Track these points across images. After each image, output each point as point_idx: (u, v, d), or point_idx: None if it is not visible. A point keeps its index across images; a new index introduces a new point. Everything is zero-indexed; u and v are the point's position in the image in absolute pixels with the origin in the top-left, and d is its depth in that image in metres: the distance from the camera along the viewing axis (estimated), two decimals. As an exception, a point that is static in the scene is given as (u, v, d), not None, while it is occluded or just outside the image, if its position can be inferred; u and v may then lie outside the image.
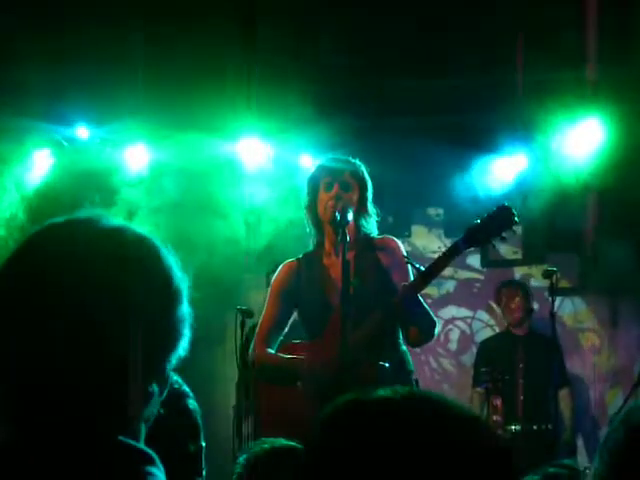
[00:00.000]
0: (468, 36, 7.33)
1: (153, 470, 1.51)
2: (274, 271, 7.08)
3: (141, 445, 1.54)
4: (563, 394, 7.66)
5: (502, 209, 4.72)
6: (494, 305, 8.57)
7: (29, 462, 1.47)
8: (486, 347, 7.99)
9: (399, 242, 5.11)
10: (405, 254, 5.01)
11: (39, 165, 8.05)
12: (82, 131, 7.89)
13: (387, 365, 4.68)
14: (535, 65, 7.26)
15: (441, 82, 7.82)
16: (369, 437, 1.30)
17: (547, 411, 7.24)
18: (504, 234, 4.73)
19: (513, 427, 7.28)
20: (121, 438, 1.51)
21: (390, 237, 5.13)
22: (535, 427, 7.32)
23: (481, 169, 8.07)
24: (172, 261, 1.64)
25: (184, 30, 6.89)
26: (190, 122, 7.49)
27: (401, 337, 4.93)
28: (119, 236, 1.61)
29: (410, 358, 4.98)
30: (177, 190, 7.94)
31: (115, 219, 1.64)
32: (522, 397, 7.45)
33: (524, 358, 7.61)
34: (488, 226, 4.69)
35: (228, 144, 7.85)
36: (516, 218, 4.72)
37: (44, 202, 7.60)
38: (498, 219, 4.70)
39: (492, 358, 7.56)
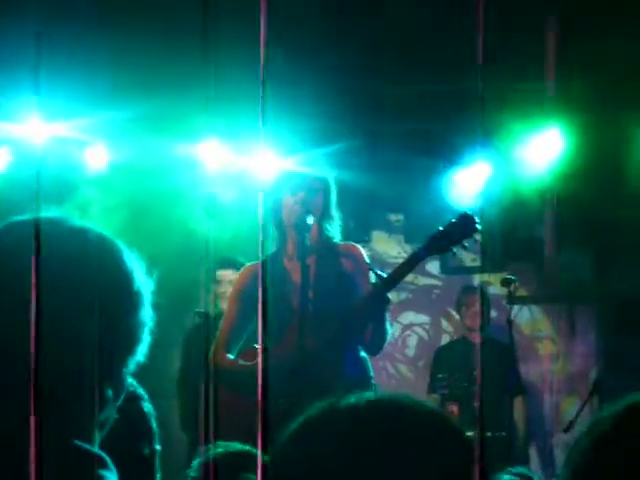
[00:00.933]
0: (432, 43, 7.34)
1: (105, 473, 1.49)
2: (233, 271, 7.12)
3: (94, 448, 1.52)
4: (517, 402, 7.68)
5: (464, 217, 4.74)
6: (453, 312, 8.59)
7: None
8: (442, 354, 7.99)
9: (362, 249, 5.11)
10: (368, 261, 5.01)
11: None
12: (37, 128, 7.82)
13: (346, 372, 4.67)
14: (497, 75, 7.29)
15: (404, 88, 7.84)
16: (340, 444, 1.30)
17: (501, 419, 7.27)
18: (465, 242, 4.74)
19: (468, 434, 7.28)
20: (74, 441, 1.49)
21: (353, 244, 5.14)
22: (489, 434, 7.33)
23: (442, 176, 8.07)
24: (135, 264, 1.62)
25: (145, 26, 6.85)
26: (150, 122, 7.45)
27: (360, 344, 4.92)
28: (82, 236, 1.59)
29: (370, 364, 4.97)
30: (136, 190, 7.89)
31: (79, 220, 1.62)
32: (477, 404, 7.46)
33: (480, 365, 7.59)
34: (450, 234, 4.71)
35: (189, 144, 7.81)
36: (478, 226, 4.73)
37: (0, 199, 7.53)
38: (460, 227, 4.71)
39: (447, 365, 7.56)
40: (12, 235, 1.60)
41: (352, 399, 1.37)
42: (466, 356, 7.67)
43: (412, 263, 4.74)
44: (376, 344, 4.90)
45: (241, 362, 4.89)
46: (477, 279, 8.84)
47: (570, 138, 7.50)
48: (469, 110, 7.53)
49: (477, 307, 7.88)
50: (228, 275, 7.17)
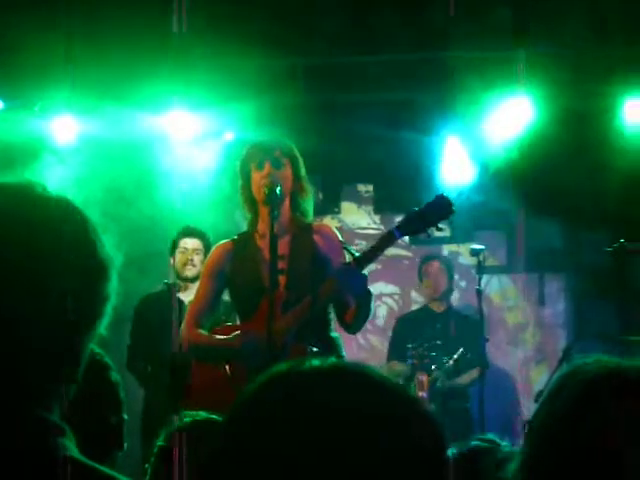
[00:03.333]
0: (400, 12, 7.33)
1: (65, 441, 1.49)
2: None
3: (52, 417, 1.52)
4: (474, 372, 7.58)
5: (440, 199, 4.70)
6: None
7: None
8: (406, 323, 7.97)
9: (335, 229, 5.10)
10: (342, 240, 5.00)
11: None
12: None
13: (315, 350, 4.67)
14: (466, 42, 7.29)
15: (373, 58, 7.83)
16: (297, 407, 1.29)
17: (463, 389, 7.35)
18: (440, 224, 4.74)
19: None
20: (33, 410, 1.49)
21: (327, 224, 5.13)
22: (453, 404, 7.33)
23: (411, 146, 8.07)
24: (100, 237, 1.60)
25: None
26: (118, 93, 7.41)
27: (332, 323, 4.91)
28: (47, 204, 1.57)
29: (342, 343, 4.97)
30: (106, 164, 7.86)
31: (45, 188, 1.61)
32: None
33: (441, 335, 7.56)
34: (425, 215, 4.68)
35: (156, 116, 7.78)
36: (453, 208, 4.72)
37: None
38: (436, 209, 4.68)
39: (414, 334, 7.53)
40: None
41: (315, 362, 1.36)
42: (427, 325, 7.67)
43: (386, 243, 4.70)
44: (359, 323, 4.89)
45: (211, 336, 4.90)
46: (446, 250, 8.87)
47: (539, 106, 7.52)
48: (439, 80, 7.54)
49: (438, 275, 7.87)
50: (193, 243, 7.17)
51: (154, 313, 6.96)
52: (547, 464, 1.66)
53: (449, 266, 8.00)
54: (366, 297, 4.75)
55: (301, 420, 1.28)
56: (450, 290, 7.96)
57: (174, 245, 7.22)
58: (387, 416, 1.30)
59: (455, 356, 7.11)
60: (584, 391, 1.68)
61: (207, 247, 7.06)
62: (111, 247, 1.62)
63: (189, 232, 7.22)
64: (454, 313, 7.84)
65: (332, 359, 1.38)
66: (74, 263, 1.54)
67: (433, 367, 7.09)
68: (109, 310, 1.60)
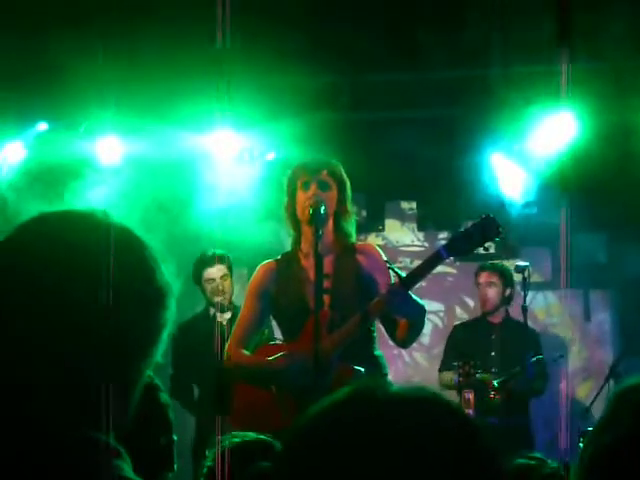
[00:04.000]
0: (439, 29, 7.33)
1: (119, 463, 1.51)
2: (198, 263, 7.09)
3: (107, 439, 1.54)
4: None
5: (486, 220, 4.68)
6: (467, 299, 8.58)
7: None
8: (458, 332, 7.79)
9: (379, 249, 5.10)
10: (386, 259, 4.99)
11: (11, 157, 8.00)
12: (43, 126, 7.88)
13: (362, 370, 4.66)
14: (508, 58, 7.28)
15: (415, 76, 7.83)
16: (361, 438, 1.29)
17: (519, 404, 7.23)
18: (486, 244, 4.73)
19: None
20: (89, 433, 1.51)
21: (371, 244, 5.12)
22: (512, 421, 7.24)
23: (454, 163, 8.06)
24: (159, 264, 1.62)
25: (154, 17, 6.87)
26: (161, 112, 7.46)
27: (376, 341, 4.91)
28: (106, 232, 1.59)
29: (385, 362, 4.97)
30: (151, 184, 7.90)
31: (106, 215, 1.63)
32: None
33: (498, 346, 7.39)
34: (472, 236, 4.66)
35: (199, 135, 7.82)
36: (500, 230, 4.70)
37: (17, 194, 7.56)
38: (482, 230, 4.66)
39: (463, 349, 7.39)
40: (43, 227, 1.61)
41: (379, 390, 1.35)
42: (484, 336, 7.51)
43: (433, 263, 4.69)
44: (411, 338, 4.91)
45: (255, 358, 4.90)
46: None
47: (582, 120, 7.49)
48: (481, 96, 7.53)
49: (485, 287, 7.55)
50: (218, 271, 7.13)
51: (193, 339, 6.92)
52: None
53: (503, 275, 7.59)
54: (419, 313, 4.75)
55: (377, 447, 1.27)
56: (505, 299, 7.59)
57: (198, 275, 7.19)
58: (459, 447, 1.30)
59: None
60: (635, 420, 1.68)
61: (230, 268, 7.06)
62: (170, 275, 1.63)
63: (210, 260, 7.17)
64: (512, 323, 7.53)
65: (415, 387, 1.36)
66: (131, 291, 1.56)
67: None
68: (165, 337, 1.62)
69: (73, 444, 1.49)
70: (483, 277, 7.58)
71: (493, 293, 7.54)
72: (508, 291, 7.60)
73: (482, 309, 7.68)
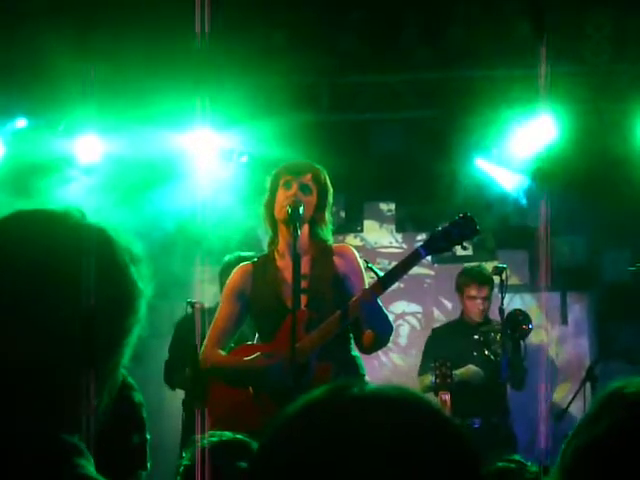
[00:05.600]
0: (422, 31, 7.35)
1: (81, 461, 1.50)
2: (229, 267, 7.06)
3: (71, 438, 1.53)
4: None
5: (465, 218, 4.72)
6: (444, 301, 8.58)
7: None
8: (438, 334, 7.62)
9: (355, 250, 5.10)
10: (365, 259, 4.99)
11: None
12: (22, 122, 7.86)
13: (339, 370, 4.67)
14: (488, 61, 7.30)
15: (395, 77, 7.85)
16: (337, 436, 1.28)
17: (496, 406, 7.22)
18: (464, 243, 4.75)
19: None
20: (53, 432, 1.51)
21: (347, 245, 5.12)
22: (484, 421, 7.23)
23: (433, 165, 8.07)
24: (132, 268, 1.61)
25: (135, 17, 6.86)
26: (142, 112, 7.45)
27: (352, 342, 4.89)
28: (76, 233, 1.57)
29: (362, 362, 4.96)
30: (129, 182, 7.89)
31: (83, 215, 1.62)
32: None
33: (480, 346, 7.29)
34: (450, 234, 4.69)
35: (180, 135, 7.81)
36: (478, 227, 4.73)
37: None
38: (460, 228, 4.70)
39: (440, 350, 7.28)
40: (17, 225, 1.60)
41: (355, 389, 1.34)
42: (464, 337, 7.42)
43: (412, 261, 4.71)
44: (374, 349, 4.91)
45: (232, 358, 4.90)
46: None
47: (562, 125, 7.51)
48: (462, 98, 7.55)
49: (484, 291, 7.32)
50: None
51: (190, 332, 6.94)
52: None
53: (491, 286, 7.33)
54: (386, 331, 4.76)
55: (354, 447, 1.26)
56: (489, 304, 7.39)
57: (202, 268, 7.19)
58: (429, 441, 1.29)
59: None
60: (628, 413, 1.68)
61: None
62: (145, 277, 1.62)
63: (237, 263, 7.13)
64: (493, 323, 7.37)
65: (393, 386, 1.36)
66: (98, 293, 1.54)
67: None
68: (132, 341, 1.61)
69: (34, 443, 1.49)
70: (473, 290, 7.36)
71: (484, 305, 7.37)
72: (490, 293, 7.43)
73: (469, 318, 7.45)
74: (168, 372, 7.35)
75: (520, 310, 7.33)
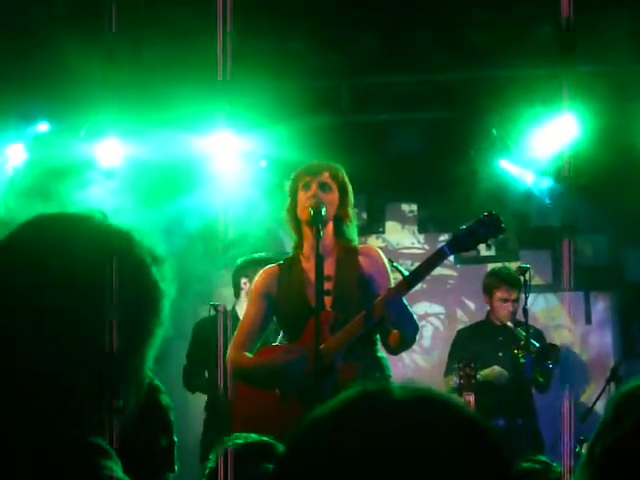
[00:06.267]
0: (439, 30, 7.33)
1: (108, 463, 1.50)
2: (242, 269, 7.06)
3: (98, 440, 1.53)
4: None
5: (490, 216, 4.70)
6: (467, 301, 8.55)
7: None
8: (463, 335, 7.62)
9: (381, 251, 5.09)
10: (390, 259, 4.99)
11: (13, 159, 7.99)
12: (44, 126, 7.89)
13: (365, 371, 4.66)
14: (511, 61, 7.27)
15: (417, 77, 7.83)
16: (367, 439, 1.27)
17: (522, 407, 7.19)
18: (489, 241, 4.73)
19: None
20: (79, 434, 1.51)
21: (373, 246, 5.10)
22: (508, 423, 7.21)
23: (455, 165, 8.04)
24: (154, 269, 1.61)
25: (155, 20, 6.87)
26: (163, 116, 7.46)
27: (378, 343, 4.88)
28: (99, 236, 1.58)
29: (388, 363, 4.95)
30: (150, 185, 7.91)
31: (106, 218, 1.62)
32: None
33: (506, 347, 7.25)
34: (475, 233, 4.67)
35: (201, 138, 7.81)
36: (503, 226, 4.71)
37: (18, 196, 7.56)
38: (485, 226, 4.68)
39: (465, 351, 7.25)
40: (41, 229, 1.60)
41: (389, 391, 1.32)
42: (489, 339, 7.38)
43: (435, 261, 4.69)
44: (401, 349, 4.90)
45: (258, 359, 4.89)
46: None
47: (585, 125, 7.48)
48: (484, 98, 7.52)
49: (512, 301, 7.30)
50: None
51: (211, 335, 6.93)
52: None
53: (520, 288, 7.26)
54: (412, 331, 4.75)
55: (384, 451, 1.25)
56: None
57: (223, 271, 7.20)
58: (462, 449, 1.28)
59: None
60: None
61: None
62: (168, 279, 1.62)
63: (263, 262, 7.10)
64: (518, 325, 7.30)
65: (421, 388, 1.34)
66: (120, 295, 1.54)
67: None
68: (156, 343, 1.61)
69: (61, 445, 1.49)
70: (503, 292, 7.35)
71: (514, 307, 7.33)
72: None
73: (497, 319, 7.44)
74: (187, 376, 7.34)
75: (552, 344, 7.31)
